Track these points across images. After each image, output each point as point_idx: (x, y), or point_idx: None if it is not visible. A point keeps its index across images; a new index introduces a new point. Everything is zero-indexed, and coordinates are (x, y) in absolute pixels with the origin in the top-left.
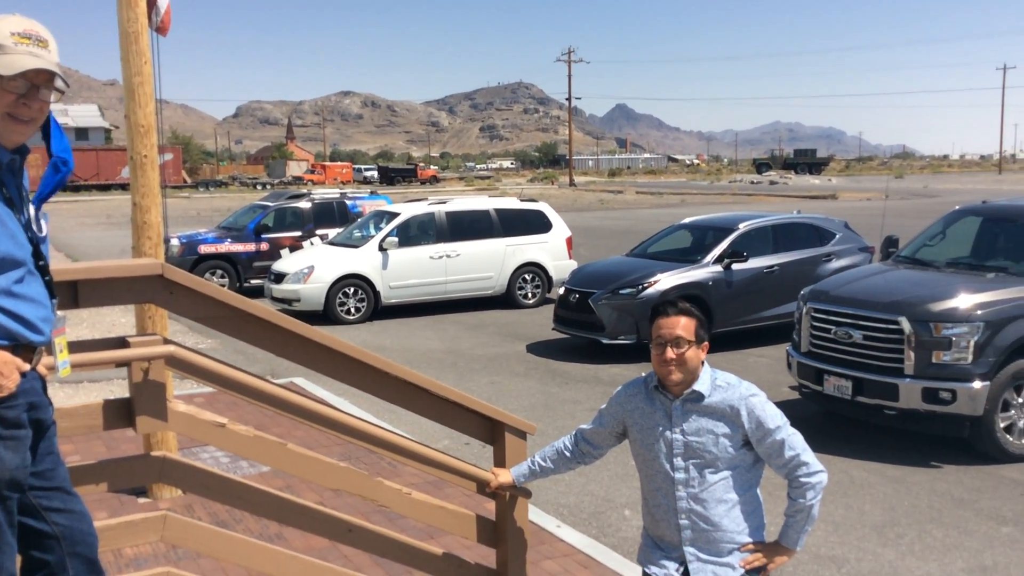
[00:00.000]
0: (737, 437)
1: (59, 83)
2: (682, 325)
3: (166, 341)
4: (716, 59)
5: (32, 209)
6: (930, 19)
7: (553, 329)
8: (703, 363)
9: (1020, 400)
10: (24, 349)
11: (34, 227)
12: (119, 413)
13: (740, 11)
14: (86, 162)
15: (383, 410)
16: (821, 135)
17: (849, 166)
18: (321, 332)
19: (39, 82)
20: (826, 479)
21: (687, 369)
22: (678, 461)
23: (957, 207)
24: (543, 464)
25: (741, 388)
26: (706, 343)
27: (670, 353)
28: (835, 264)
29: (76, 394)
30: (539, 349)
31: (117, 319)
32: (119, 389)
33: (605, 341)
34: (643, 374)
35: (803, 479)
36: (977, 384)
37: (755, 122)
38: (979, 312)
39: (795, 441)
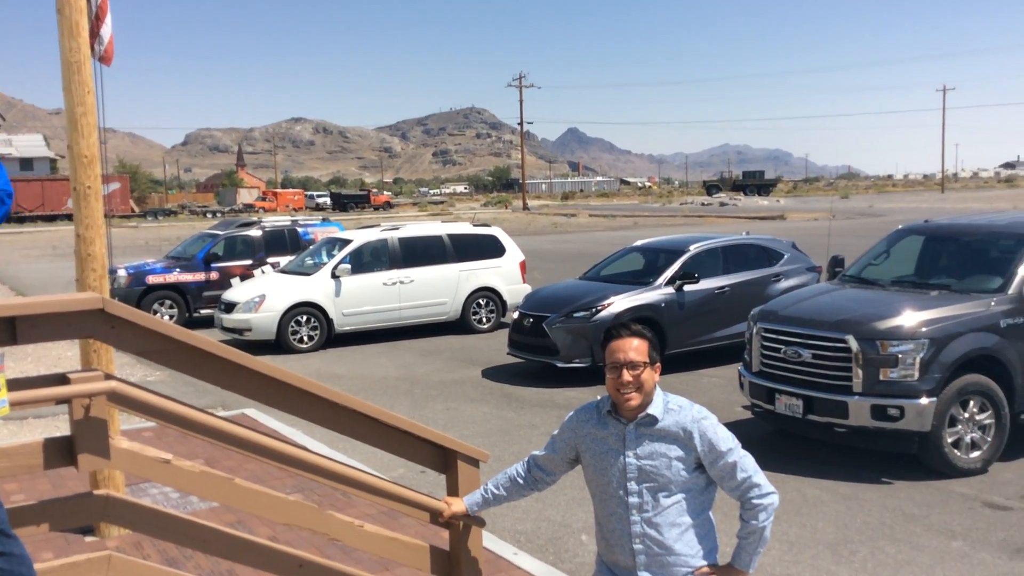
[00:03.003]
0: (690, 460)
1: None
2: (635, 347)
3: (108, 376)
4: (666, 83)
5: None
6: (872, 43)
7: (508, 354)
8: (656, 385)
9: (966, 415)
10: None
11: None
12: (60, 451)
13: (688, 36)
14: (31, 193)
15: (337, 439)
16: (768, 157)
17: (796, 187)
18: (267, 363)
19: None
20: (778, 500)
21: (644, 391)
22: (632, 485)
23: (900, 226)
24: (496, 492)
25: (693, 411)
26: (658, 364)
27: (626, 376)
28: (784, 284)
29: (20, 431)
30: (494, 374)
31: (63, 352)
32: (65, 425)
33: (560, 365)
34: (598, 397)
35: (755, 501)
36: (924, 400)
37: (704, 145)
38: (924, 329)
39: (747, 463)
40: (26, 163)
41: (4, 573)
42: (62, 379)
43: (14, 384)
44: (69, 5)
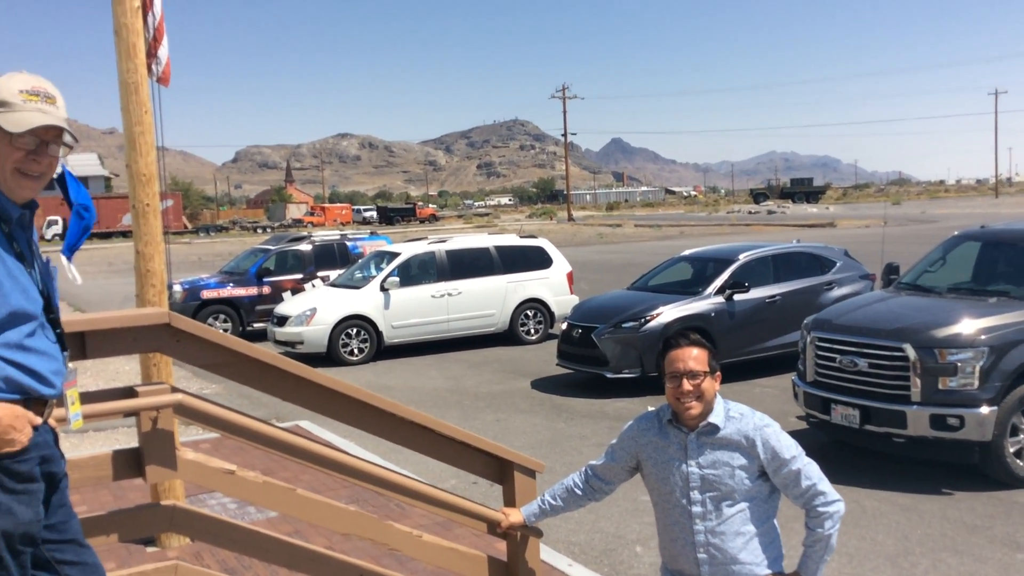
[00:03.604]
0: (753, 468)
1: (67, 138)
2: (694, 356)
3: (174, 389)
4: (710, 91)
5: (63, 259)
6: (922, 46)
7: (557, 364)
8: (716, 394)
9: None
10: (36, 402)
11: (63, 275)
12: (128, 463)
13: (733, 43)
14: None
15: (389, 451)
16: (817, 164)
17: (846, 194)
18: (325, 375)
19: (48, 138)
20: (843, 508)
21: (705, 401)
22: (695, 494)
23: (956, 232)
24: (553, 503)
25: (755, 418)
26: (719, 373)
27: (687, 386)
28: (837, 292)
29: (81, 443)
30: (543, 385)
31: (121, 367)
32: (124, 437)
33: (609, 375)
34: (648, 408)
35: (820, 508)
36: (984, 409)
37: (751, 152)
38: (983, 337)
39: (811, 471)
40: (81, 182)
41: None
42: (130, 392)
43: (84, 398)
44: (126, 28)
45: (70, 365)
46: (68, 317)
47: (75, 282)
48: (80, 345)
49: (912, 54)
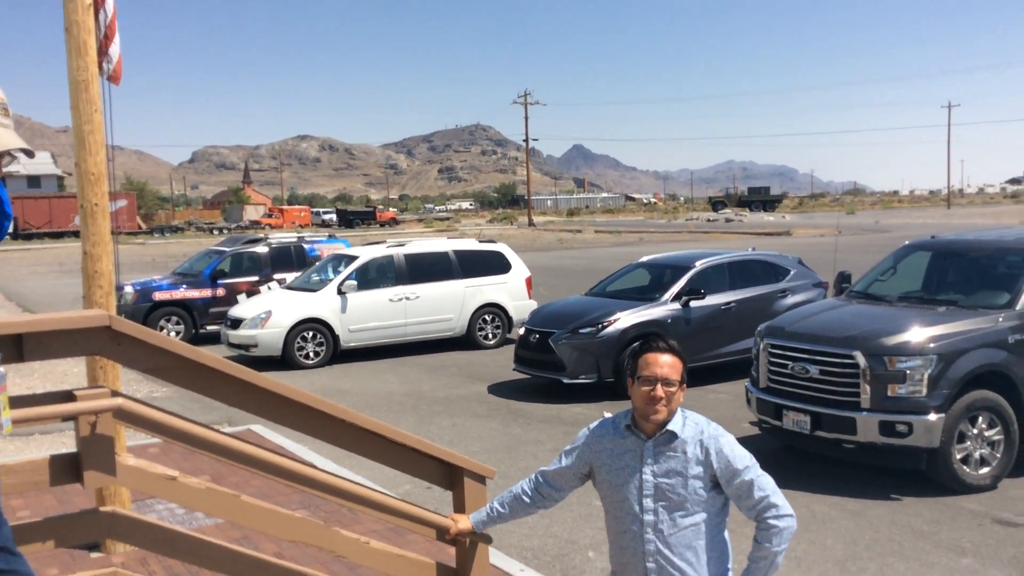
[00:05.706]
0: (706, 478)
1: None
2: (671, 364)
3: (114, 393)
4: (671, 100)
5: None
6: (878, 59)
7: (514, 370)
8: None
9: (975, 431)
10: None
11: None
12: (66, 468)
13: (693, 53)
14: (38, 210)
15: (344, 455)
16: (774, 173)
17: (802, 203)
18: (272, 379)
19: (3, 150)
20: (795, 525)
21: (670, 410)
22: (647, 503)
23: (907, 242)
24: (501, 510)
25: (710, 428)
26: (684, 385)
27: (660, 392)
28: (790, 300)
29: (27, 447)
30: (500, 390)
31: (70, 368)
32: (71, 440)
33: (566, 381)
34: (605, 414)
35: (771, 521)
36: (932, 416)
37: (710, 161)
38: (932, 345)
39: (764, 482)
40: (33, 180)
41: None
42: (68, 396)
43: (21, 401)
44: (77, 25)
45: (0, 368)
46: (5, 319)
47: None
48: (17, 347)
49: (869, 66)
